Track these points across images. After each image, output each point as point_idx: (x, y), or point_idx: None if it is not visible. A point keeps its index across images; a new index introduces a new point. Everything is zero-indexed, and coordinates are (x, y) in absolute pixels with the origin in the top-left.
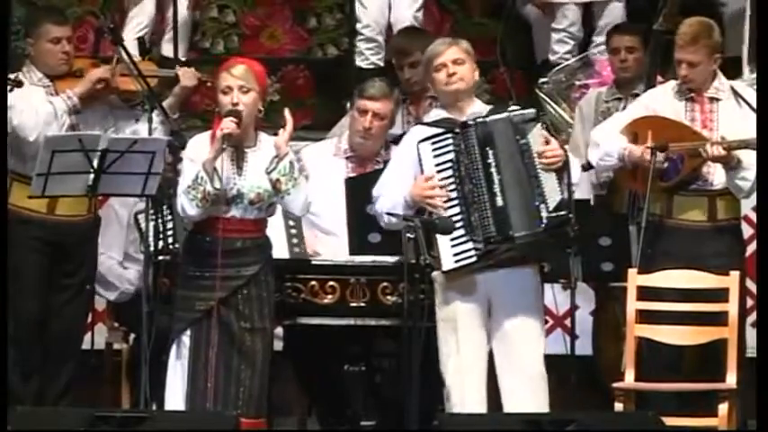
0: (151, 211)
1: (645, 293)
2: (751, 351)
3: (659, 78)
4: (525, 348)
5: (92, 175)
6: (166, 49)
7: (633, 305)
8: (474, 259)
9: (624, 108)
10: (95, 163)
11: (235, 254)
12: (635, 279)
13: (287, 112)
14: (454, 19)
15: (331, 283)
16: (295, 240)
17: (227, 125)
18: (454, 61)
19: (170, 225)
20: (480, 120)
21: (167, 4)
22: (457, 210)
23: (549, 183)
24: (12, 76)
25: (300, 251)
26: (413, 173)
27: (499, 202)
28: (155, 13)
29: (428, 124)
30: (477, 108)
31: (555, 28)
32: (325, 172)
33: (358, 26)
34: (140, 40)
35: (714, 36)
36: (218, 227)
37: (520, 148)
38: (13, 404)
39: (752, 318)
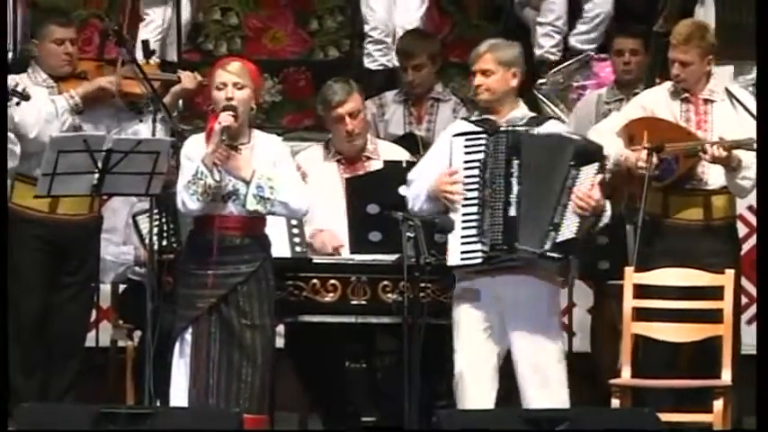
0: (155, 211)
1: (641, 291)
2: (746, 348)
3: (657, 80)
4: (538, 355)
5: (96, 175)
6: (166, 53)
7: (630, 303)
8: (479, 261)
9: None
10: (100, 163)
11: (233, 251)
12: (631, 277)
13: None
14: (453, 21)
15: (332, 281)
16: (297, 239)
17: (225, 118)
18: (483, 72)
19: (173, 224)
20: (512, 129)
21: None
22: (474, 209)
23: (572, 219)
24: (20, 88)
25: (302, 250)
26: (445, 165)
27: (512, 212)
28: (169, 15)
29: (470, 121)
30: (517, 113)
31: (540, 22)
32: (320, 177)
33: (366, 28)
34: (145, 44)
35: (707, 37)
36: (222, 226)
37: (567, 174)
38: (16, 401)
39: (746, 315)
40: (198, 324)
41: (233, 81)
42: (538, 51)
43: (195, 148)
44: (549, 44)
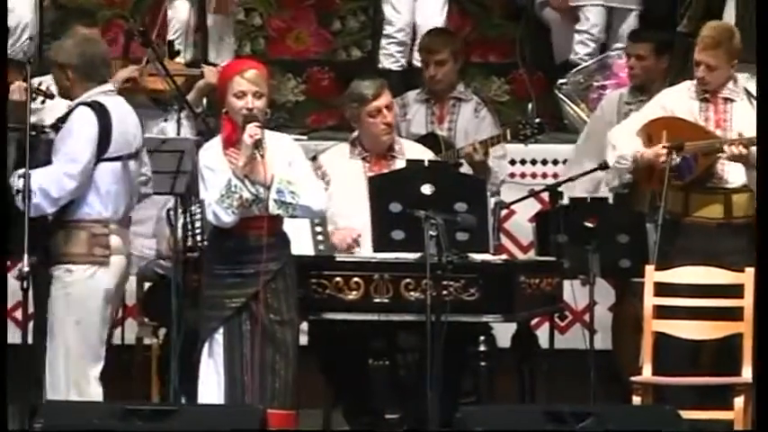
0: (180, 210)
1: (662, 289)
2: None
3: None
4: None
5: None
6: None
7: (650, 301)
8: None
9: None
10: None
11: (261, 250)
12: (652, 275)
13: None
14: (475, 21)
15: (355, 279)
16: (320, 237)
17: (255, 131)
18: None
19: (198, 223)
20: None
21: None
22: None
23: None
24: (44, 87)
25: (325, 248)
26: None
27: None
28: (190, 17)
29: None
30: None
31: (577, 29)
32: (345, 175)
33: (390, 29)
34: (170, 43)
35: (735, 41)
36: (246, 226)
37: None
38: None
39: None
40: (229, 324)
41: (253, 90)
42: (573, 57)
43: (215, 158)
44: (583, 51)
